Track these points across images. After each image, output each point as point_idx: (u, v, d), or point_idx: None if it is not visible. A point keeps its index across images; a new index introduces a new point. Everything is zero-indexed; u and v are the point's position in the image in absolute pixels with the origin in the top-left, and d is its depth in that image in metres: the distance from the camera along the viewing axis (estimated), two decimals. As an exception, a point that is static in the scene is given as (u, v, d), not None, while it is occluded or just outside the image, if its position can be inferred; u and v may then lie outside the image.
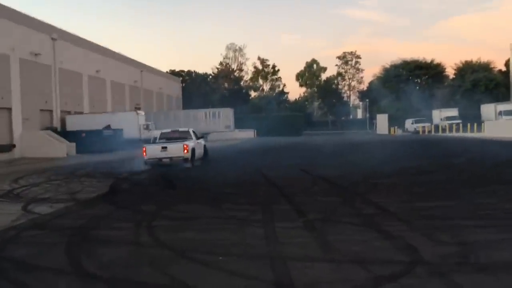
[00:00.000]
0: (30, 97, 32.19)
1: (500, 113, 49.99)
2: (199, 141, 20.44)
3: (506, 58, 62.98)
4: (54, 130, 34.28)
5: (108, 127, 35.00)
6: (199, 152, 19.83)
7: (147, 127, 38.75)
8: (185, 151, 17.88)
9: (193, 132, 20.69)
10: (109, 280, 5.03)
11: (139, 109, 45.26)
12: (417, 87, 67.04)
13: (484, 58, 67.25)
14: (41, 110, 34.33)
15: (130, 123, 37.42)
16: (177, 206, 9.65)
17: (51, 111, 35.87)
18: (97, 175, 16.53)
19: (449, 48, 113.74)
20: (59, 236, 7.20)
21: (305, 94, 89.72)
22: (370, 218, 7.66)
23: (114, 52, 48.33)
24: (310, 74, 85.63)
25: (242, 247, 6.29)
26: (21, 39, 31.13)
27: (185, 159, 17.88)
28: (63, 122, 37.16)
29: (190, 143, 18.64)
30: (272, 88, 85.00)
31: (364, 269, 5.12)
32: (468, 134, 42.81)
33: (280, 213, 8.48)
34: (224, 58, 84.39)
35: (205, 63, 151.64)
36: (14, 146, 29.98)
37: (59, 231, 7.61)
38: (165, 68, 74.03)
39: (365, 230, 6.94)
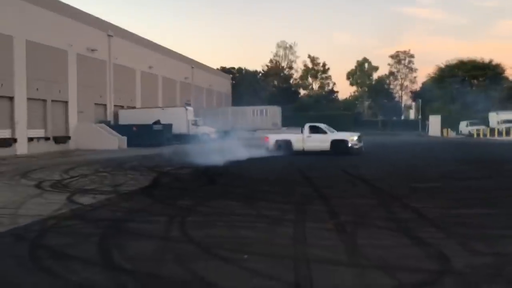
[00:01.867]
0: (86, 91, 33.57)
1: None
2: (317, 135, 23.23)
3: None
4: (107, 123, 35.59)
5: (158, 122, 35.88)
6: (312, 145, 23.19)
7: (195, 123, 39.46)
8: (264, 141, 24.19)
9: (315, 127, 23.77)
10: (132, 272, 5.15)
11: (189, 105, 46.11)
12: (474, 89, 64.34)
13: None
14: (96, 104, 35.73)
15: (179, 119, 38.27)
16: (211, 202, 9.75)
17: (105, 105, 37.25)
18: (142, 169, 16.98)
19: (509, 49, 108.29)
20: (95, 227, 7.47)
21: (356, 93, 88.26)
22: (405, 223, 7.43)
23: (166, 49, 49.49)
24: (361, 73, 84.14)
25: (268, 246, 6.28)
26: (78, 35, 32.49)
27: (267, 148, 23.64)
28: (116, 116, 38.51)
29: (274, 135, 24.70)
30: (321, 87, 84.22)
31: (388, 276, 4.98)
32: (527, 139, 40.65)
33: (313, 214, 8.39)
34: (274, 56, 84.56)
35: (256, 61, 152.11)
36: (69, 137, 31.41)
37: (96, 222, 7.90)
38: (215, 65, 75.22)
39: (397, 235, 6.74)
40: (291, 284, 4.77)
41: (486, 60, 66.35)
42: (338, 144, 22.69)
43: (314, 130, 23.51)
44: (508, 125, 48.34)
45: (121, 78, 38.78)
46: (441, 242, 6.23)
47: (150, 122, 35.52)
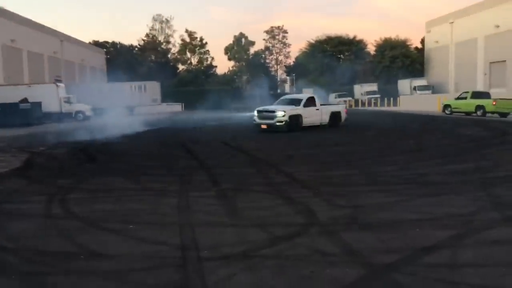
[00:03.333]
0: None
1: (415, 88, 53.27)
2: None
3: (422, 36, 66.68)
4: (-37, 102, 32.06)
5: (24, 100, 33.21)
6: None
7: (68, 100, 37.30)
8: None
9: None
10: (16, 250, 5.11)
11: (59, 81, 43.23)
12: (341, 63, 69.39)
13: (404, 35, 70.74)
14: None
15: (50, 96, 35.81)
16: (93, 179, 9.65)
17: (-41, 82, 33.50)
18: (11, 150, 15.85)
19: (373, 25, 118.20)
20: (-35, 211, 7.05)
21: (234, 68, 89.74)
22: (279, 187, 8.18)
23: (31, 21, 45.61)
24: (238, 48, 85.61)
25: (154, 216, 6.56)
26: None
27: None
28: (-27, 94, 34.80)
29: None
30: (200, 62, 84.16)
31: (265, 231, 5.58)
32: (385, 108, 45.29)
33: (196, 184, 8.81)
34: (150, 30, 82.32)
35: (131, 35, 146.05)
36: None
37: (-35, 206, 7.43)
38: (87, 39, 71.01)
39: (272, 197, 7.44)
40: (178, 246, 5.14)
41: (351, 36, 71.86)
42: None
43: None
44: (369, 96, 53.32)
45: (-22, 52, 35.05)
46: (309, 200, 7.05)
47: (16, 100, 32.77)
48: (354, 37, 71.55)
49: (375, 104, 49.90)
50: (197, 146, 15.55)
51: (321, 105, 21.89)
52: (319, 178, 9.00)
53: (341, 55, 71.62)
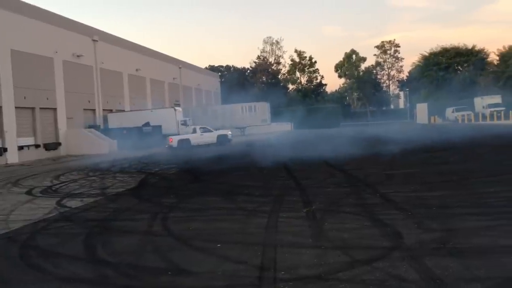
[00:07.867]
0: (74, 97, 33.87)
1: (547, 99, 48.01)
2: None
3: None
4: (97, 128, 35.93)
5: (147, 124, 36.27)
6: None
7: (185, 123, 39.91)
8: None
9: None
10: (115, 265, 5.66)
11: (178, 105, 46.48)
12: (458, 75, 65.13)
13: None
14: (85, 109, 36.05)
15: (169, 120, 38.64)
16: (194, 199, 10.25)
17: (93, 109, 37.57)
18: (131, 171, 17.44)
19: (495, 33, 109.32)
20: (82, 227, 7.96)
21: (344, 85, 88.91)
22: (371, 208, 7.99)
23: (153, 51, 49.78)
24: (349, 64, 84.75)
25: (242, 235, 6.81)
26: (63, 41, 32.75)
27: None
28: (105, 120, 38.85)
29: None
30: (309, 80, 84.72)
31: (345, 254, 5.52)
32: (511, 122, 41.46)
33: (288, 204, 8.92)
34: (261, 52, 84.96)
35: (243, 58, 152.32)
36: (59, 144, 31.75)
37: (83, 222, 8.38)
38: (203, 64, 75.54)
39: (361, 219, 7.28)
40: (257, 267, 5.30)
41: (469, 46, 67.27)
42: None
43: None
44: (492, 109, 49.15)
45: (109, 82, 39.10)
46: (399, 222, 6.79)
47: (140, 124, 35.92)
48: (473, 47, 66.88)
49: (498, 118, 45.87)
50: (294, 165, 15.56)
51: None
52: (415, 199, 8.58)
53: (459, 67, 67.27)
